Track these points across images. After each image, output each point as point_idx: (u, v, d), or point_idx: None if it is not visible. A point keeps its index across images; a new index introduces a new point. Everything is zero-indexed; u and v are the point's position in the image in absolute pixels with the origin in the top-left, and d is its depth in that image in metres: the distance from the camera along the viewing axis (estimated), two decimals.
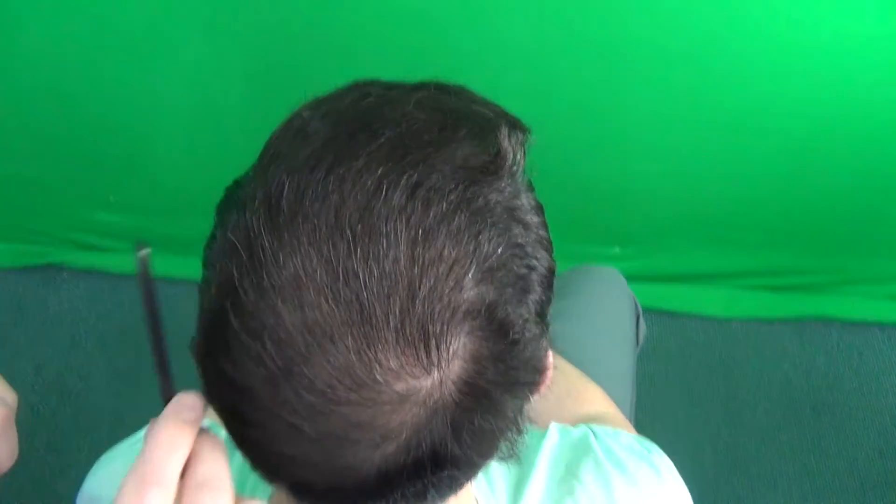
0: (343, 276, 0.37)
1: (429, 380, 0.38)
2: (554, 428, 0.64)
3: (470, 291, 0.38)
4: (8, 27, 1.28)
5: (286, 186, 0.38)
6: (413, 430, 0.38)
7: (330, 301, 0.37)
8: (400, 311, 0.37)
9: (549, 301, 0.42)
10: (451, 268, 0.37)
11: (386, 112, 0.41)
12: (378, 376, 0.37)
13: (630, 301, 1.04)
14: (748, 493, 1.40)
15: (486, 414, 0.39)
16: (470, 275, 0.37)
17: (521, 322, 0.39)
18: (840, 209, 1.38)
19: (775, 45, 1.15)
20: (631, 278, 1.09)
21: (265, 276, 0.37)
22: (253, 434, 0.40)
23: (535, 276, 0.41)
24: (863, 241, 1.44)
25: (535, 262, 0.41)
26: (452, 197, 0.38)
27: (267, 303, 0.37)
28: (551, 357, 0.43)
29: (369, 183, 0.37)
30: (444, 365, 0.38)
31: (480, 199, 0.39)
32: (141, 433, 0.64)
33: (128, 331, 1.55)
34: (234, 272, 0.38)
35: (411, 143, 0.39)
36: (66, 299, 1.59)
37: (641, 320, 1.05)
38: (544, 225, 0.43)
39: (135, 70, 1.32)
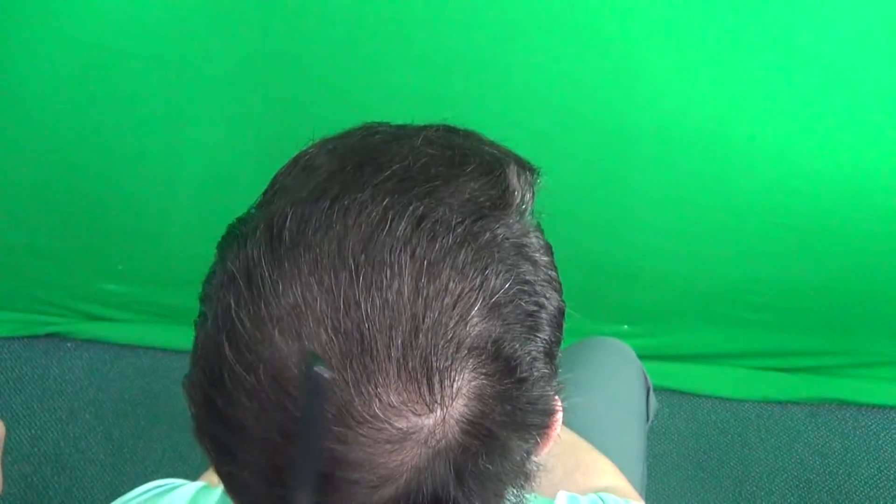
0: (344, 306, 0.35)
1: (431, 418, 0.36)
2: (563, 496, 0.62)
3: (475, 326, 0.36)
4: (19, 96, 1.30)
5: (289, 217, 0.37)
6: (413, 472, 0.36)
7: (329, 331, 0.35)
8: (402, 344, 0.35)
9: (558, 342, 0.41)
10: (456, 301, 0.36)
11: (394, 147, 0.40)
12: (378, 412, 0.35)
13: (640, 374, 1.02)
14: None
15: (491, 457, 0.37)
16: (475, 309, 0.36)
17: (528, 360, 0.38)
18: (854, 290, 1.36)
19: (785, 121, 1.16)
20: (640, 356, 1.07)
21: (263, 306, 0.36)
22: (244, 475, 0.38)
23: (544, 315, 0.39)
24: (878, 322, 1.41)
25: (544, 300, 0.39)
26: (459, 230, 0.37)
27: (264, 333, 0.36)
28: (560, 402, 0.41)
29: (374, 214, 0.37)
30: (447, 402, 0.36)
31: (488, 233, 0.38)
32: (133, 493, 0.61)
33: (127, 402, 1.52)
34: (232, 302, 0.37)
35: (418, 176, 0.38)
36: (67, 369, 1.57)
37: (652, 394, 1.02)
38: (553, 265, 0.42)
39: (147, 140, 1.33)
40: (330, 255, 0.36)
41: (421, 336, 0.35)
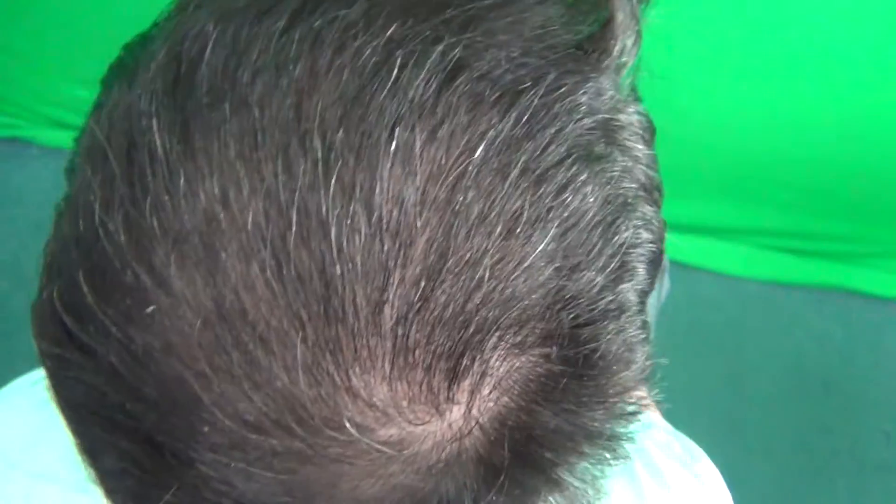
0: (299, 224, 0.19)
1: (441, 423, 0.21)
2: None
3: (540, 271, 0.21)
4: None
5: (210, 42, 0.21)
6: None
7: (269, 269, 0.19)
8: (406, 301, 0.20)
9: (650, 288, 0.26)
10: (511, 227, 0.20)
11: None
12: (345, 415, 0.20)
13: None
14: (741, 463, 1.31)
15: (534, 487, 0.22)
16: (543, 244, 0.21)
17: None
18: (880, 174, 1.26)
19: None
20: None
21: (149, 212, 0.20)
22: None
23: (640, 250, 0.24)
24: None
25: (645, 232, 0.25)
26: (529, 96, 0.21)
27: (150, 266, 0.20)
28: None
29: (368, 52, 0.20)
30: (474, 398, 0.21)
31: (567, 101, 0.22)
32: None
33: None
34: (97, 197, 0.21)
35: None
36: (31, 178, 1.46)
37: (667, 275, 0.92)
38: (655, 159, 0.26)
39: None
40: (280, 126, 0.20)
41: (445, 288, 0.20)
